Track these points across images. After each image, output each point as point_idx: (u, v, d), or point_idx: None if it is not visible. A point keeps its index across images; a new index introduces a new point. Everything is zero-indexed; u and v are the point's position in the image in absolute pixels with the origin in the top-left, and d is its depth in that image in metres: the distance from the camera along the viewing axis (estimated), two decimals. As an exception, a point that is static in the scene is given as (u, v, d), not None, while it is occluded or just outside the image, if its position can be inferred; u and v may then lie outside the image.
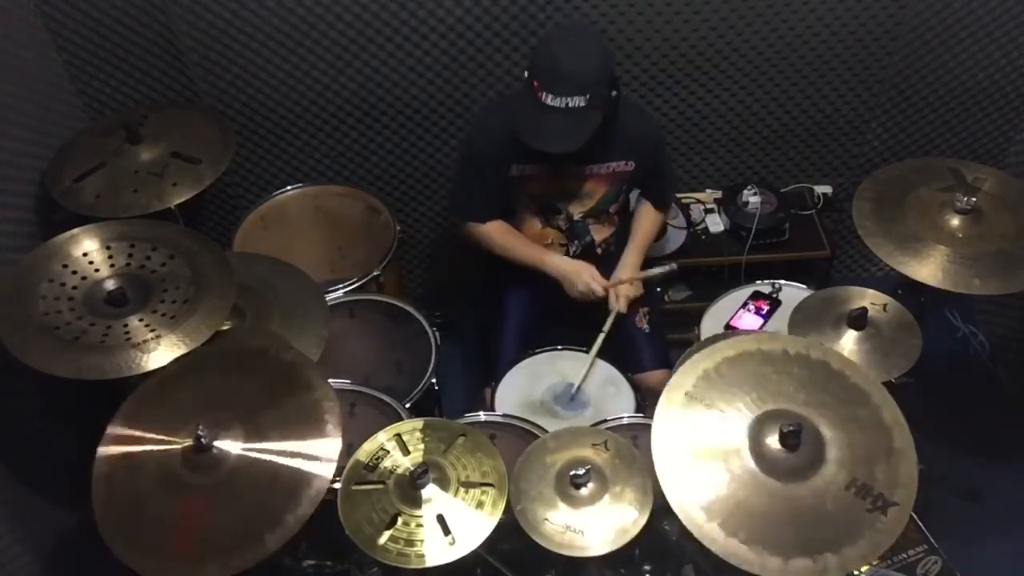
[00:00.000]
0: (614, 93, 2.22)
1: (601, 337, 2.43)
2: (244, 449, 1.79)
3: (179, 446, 1.80)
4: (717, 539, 1.65)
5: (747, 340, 1.91)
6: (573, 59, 2.12)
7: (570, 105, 2.12)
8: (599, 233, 2.54)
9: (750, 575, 1.64)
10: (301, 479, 1.74)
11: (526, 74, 2.20)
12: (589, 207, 2.47)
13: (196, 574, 1.67)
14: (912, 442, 1.76)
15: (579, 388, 2.38)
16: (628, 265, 2.54)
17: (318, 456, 1.77)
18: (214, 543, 1.69)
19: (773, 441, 1.74)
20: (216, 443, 1.77)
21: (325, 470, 1.76)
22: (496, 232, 2.50)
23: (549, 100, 2.13)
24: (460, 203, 2.56)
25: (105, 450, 1.80)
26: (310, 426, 1.81)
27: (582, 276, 2.43)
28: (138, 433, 1.82)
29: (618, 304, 2.48)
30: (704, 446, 1.75)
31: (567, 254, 2.55)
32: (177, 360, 1.91)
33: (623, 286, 2.50)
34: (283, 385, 1.89)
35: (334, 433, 1.80)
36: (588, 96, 2.13)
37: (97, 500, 1.74)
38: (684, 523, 1.67)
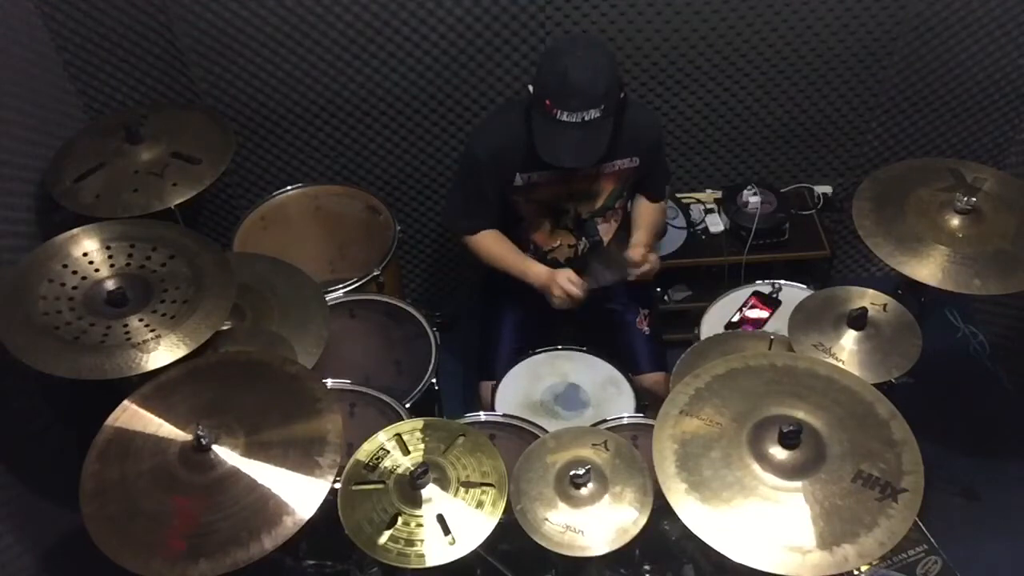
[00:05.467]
0: (622, 95, 2.23)
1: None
2: (241, 457, 1.78)
3: (179, 441, 1.80)
4: (733, 544, 1.65)
5: (735, 359, 1.94)
6: (583, 73, 2.11)
7: (586, 119, 2.13)
8: (607, 231, 2.54)
9: (751, 573, 1.64)
10: (283, 508, 1.72)
11: (531, 88, 2.20)
12: (597, 206, 2.47)
13: (184, 572, 1.65)
14: (911, 432, 1.77)
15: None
16: (639, 244, 2.49)
17: (304, 492, 1.74)
18: (205, 542, 1.68)
19: (774, 443, 1.75)
20: (215, 446, 1.77)
21: (308, 508, 1.72)
22: (484, 242, 2.50)
23: (564, 117, 2.13)
24: (452, 213, 2.55)
25: (113, 422, 1.82)
26: (307, 459, 1.78)
27: (556, 281, 2.36)
28: (149, 415, 1.84)
29: (646, 265, 2.40)
30: (708, 460, 1.76)
31: (576, 253, 2.55)
32: (207, 357, 1.92)
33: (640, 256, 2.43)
34: (299, 412, 1.86)
35: (326, 476, 1.76)
36: (602, 107, 2.13)
37: (86, 476, 1.75)
38: (702, 538, 1.67)
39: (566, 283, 2.35)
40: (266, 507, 1.71)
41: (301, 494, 1.73)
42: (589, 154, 2.20)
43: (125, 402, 1.86)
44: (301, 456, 1.78)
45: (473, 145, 2.41)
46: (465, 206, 2.48)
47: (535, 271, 2.45)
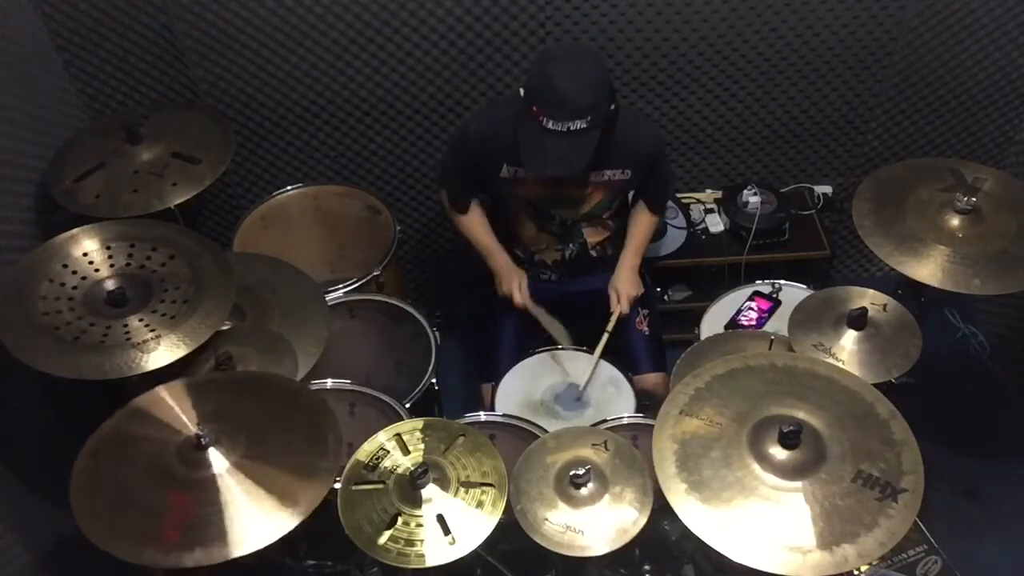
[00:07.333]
0: (612, 106, 2.21)
1: (604, 338, 2.45)
2: (233, 467, 1.77)
3: (179, 437, 1.80)
4: (733, 544, 1.66)
5: (735, 359, 1.94)
6: (572, 82, 2.10)
7: (571, 128, 2.12)
8: (593, 236, 2.54)
9: (751, 573, 1.64)
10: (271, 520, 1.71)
11: (521, 92, 2.19)
12: (583, 213, 2.47)
13: (178, 560, 1.65)
14: (911, 432, 1.77)
15: (584, 389, 2.39)
16: (626, 267, 2.55)
17: (280, 520, 1.72)
18: (199, 534, 1.68)
19: (774, 443, 1.75)
20: (212, 448, 1.76)
21: (275, 533, 1.69)
22: (463, 219, 2.57)
23: (550, 125, 2.12)
24: (443, 174, 2.63)
25: (112, 423, 1.83)
26: (291, 492, 1.75)
27: (509, 282, 2.50)
28: (149, 417, 1.84)
29: (620, 305, 2.50)
30: (708, 460, 1.76)
31: (562, 257, 2.56)
32: (210, 374, 1.94)
33: (625, 288, 2.51)
34: (304, 432, 1.86)
35: (297, 514, 1.72)
36: (588, 118, 2.12)
37: (79, 468, 1.75)
38: (702, 538, 1.67)
39: (515, 288, 2.49)
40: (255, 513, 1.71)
41: (274, 521, 1.70)
42: (572, 163, 2.18)
43: (132, 403, 1.86)
44: (289, 484, 1.76)
45: (468, 124, 2.43)
46: (454, 178, 2.55)
47: (496, 259, 2.54)
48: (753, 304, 2.62)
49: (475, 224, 2.57)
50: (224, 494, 1.72)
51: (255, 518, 1.69)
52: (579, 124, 2.11)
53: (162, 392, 1.88)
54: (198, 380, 1.94)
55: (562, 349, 2.49)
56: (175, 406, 1.86)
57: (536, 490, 1.91)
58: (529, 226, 2.51)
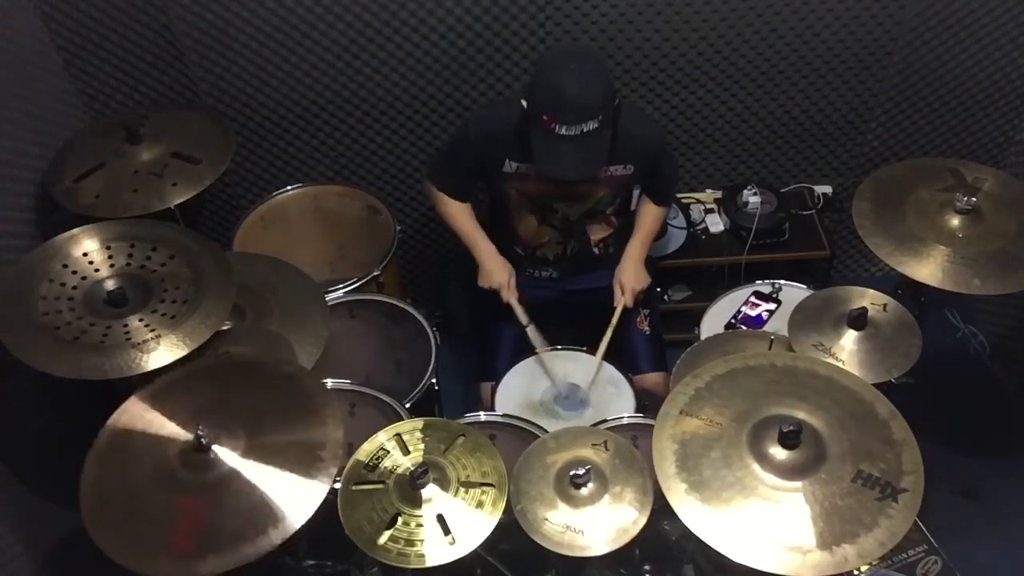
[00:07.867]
0: (616, 103, 2.22)
1: (609, 333, 2.45)
2: (241, 458, 1.78)
3: (179, 441, 1.80)
4: (733, 544, 1.66)
5: (735, 359, 1.94)
6: (579, 86, 2.11)
7: (585, 131, 2.13)
8: (596, 233, 2.54)
9: (751, 573, 1.64)
10: (280, 511, 1.72)
11: (524, 103, 2.19)
12: (586, 209, 2.47)
13: (193, 569, 1.65)
14: (911, 432, 1.78)
15: (589, 386, 2.39)
16: (632, 259, 2.55)
17: (305, 494, 1.74)
18: (212, 539, 1.68)
19: (774, 443, 1.75)
20: (215, 447, 1.77)
21: (306, 509, 1.72)
22: (447, 202, 2.55)
23: (564, 131, 2.13)
24: (437, 170, 2.59)
25: (116, 420, 1.83)
26: (305, 462, 1.78)
27: (499, 279, 2.49)
28: (152, 415, 1.84)
29: (624, 299, 2.50)
30: (708, 460, 1.76)
31: (564, 252, 2.56)
32: (216, 356, 1.93)
33: (630, 282, 2.51)
34: (298, 412, 1.87)
35: (323, 481, 1.75)
36: (600, 118, 2.14)
37: (86, 480, 1.75)
38: (702, 538, 1.67)
39: (504, 285, 2.48)
40: (268, 504, 1.71)
41: (301, 494, 1.73)
42: (591, 165, 2.22)
43: (125, 404, 1.86)
44: (301, 456, 1.78)
45: (469, 124, 2.43)
46: (450, 171, 2.52)
47: (481, 250, 2.52)
48: (753, 304, 2.62)
49: (463, 211, 2.56)
50: (235, 490, 1.73)
51: (273, 507, 1.71)
52: (592, 125, 2.13)
53: (135, 405, 1.87)
54: (173, 380, 1.93)
55: (563, 349, 2.49)
56: (158, 413, 1.86)
57: (536, 490, 1.91)
58: (530, 220, 2.50)
